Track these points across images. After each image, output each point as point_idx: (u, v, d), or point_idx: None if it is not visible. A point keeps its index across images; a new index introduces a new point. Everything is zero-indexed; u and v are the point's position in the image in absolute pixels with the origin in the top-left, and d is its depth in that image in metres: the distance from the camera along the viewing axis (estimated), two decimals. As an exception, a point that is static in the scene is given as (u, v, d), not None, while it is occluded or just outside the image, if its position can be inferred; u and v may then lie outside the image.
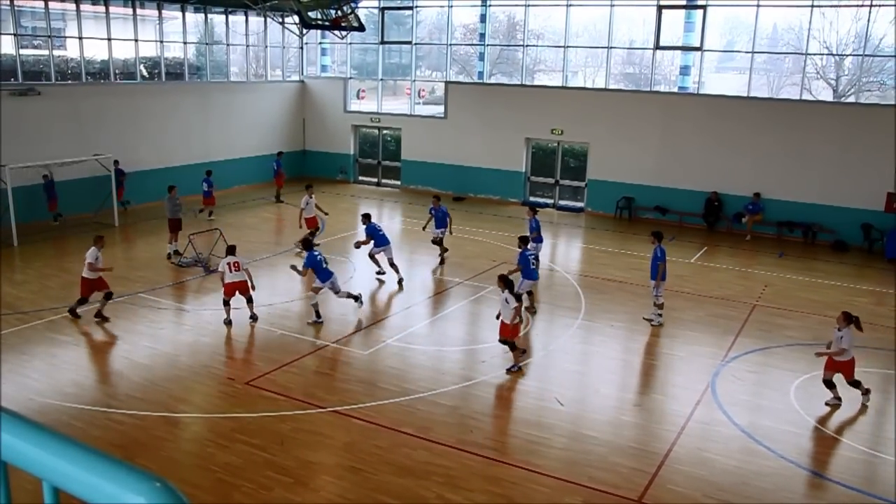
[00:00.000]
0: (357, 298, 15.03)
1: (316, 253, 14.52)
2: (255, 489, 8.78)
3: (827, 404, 11.46)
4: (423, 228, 20.36)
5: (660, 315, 14.85)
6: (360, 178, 31.58)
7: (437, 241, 19.34)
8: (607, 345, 14.23)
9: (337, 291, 14.62)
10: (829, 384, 11.47)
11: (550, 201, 27.77)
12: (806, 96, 24.05)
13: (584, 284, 17.81)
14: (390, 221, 25.27)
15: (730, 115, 24.03)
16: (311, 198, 20.02)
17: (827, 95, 25.31)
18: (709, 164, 24.43)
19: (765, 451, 10.10)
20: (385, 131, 30.94)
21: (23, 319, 14.08)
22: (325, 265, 14.45)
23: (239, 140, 28.21)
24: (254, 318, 14.31)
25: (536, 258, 15.63)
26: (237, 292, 14.13)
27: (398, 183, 30.35)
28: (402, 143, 30.13)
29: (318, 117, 31.53)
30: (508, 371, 12.39)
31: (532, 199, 27.91)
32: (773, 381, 12.65)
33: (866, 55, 23.38)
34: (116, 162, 22.75)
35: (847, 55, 25.02)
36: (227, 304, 14.16)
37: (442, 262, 19.27)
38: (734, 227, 24.09)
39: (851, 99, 24.25)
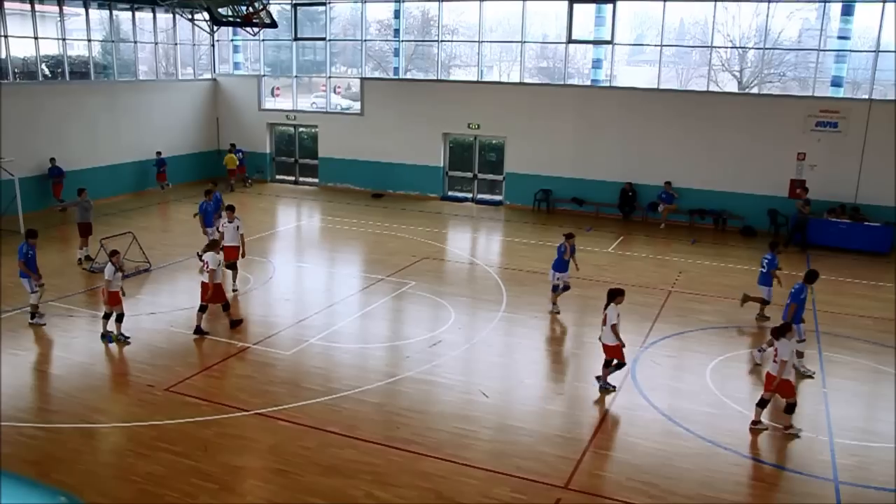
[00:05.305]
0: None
1: None
2: (180, 497, 8.57)
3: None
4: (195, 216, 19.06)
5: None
6: (278, 176, 31.12)
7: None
8: (530, 336, 14.41)
9: None
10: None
11: (469, 195, 27.94)
12: (713, 88, 24.85)
13: (505, 277, 17.98)
14: (309, 220, 25.02)
15: (641, 107, 24.64)
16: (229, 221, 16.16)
17: (732, 87, 26.27)
18: (623, 155, 25.00)
19: (684, 433, 10.42)
20: (301, 129, 30.56)
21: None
22: None
23: (150, 141, 27.34)
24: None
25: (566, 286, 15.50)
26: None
27: (316, 181, 30.03)
28: (318, 141, 29.82)
29: (232, 116, 30.88)
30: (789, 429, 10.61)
31: (451, 193, 28.04)
32: (690, 364, 13.05)
33: (767, 48, 24.31)
34: (53, 160, 23.26)
35: (749, 48, 26.00)
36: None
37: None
38: (649, 216, 24.75)
39: (755, 90, 25.21)
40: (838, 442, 10.32)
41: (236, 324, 14.02)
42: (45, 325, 13.96)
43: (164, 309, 15.03)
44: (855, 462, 9.84)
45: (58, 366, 12.40)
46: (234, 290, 15.98)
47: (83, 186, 18.85)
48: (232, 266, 15.98)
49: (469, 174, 28.07)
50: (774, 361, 10.40)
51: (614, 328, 11.38)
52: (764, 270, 14.95)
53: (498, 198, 27.46)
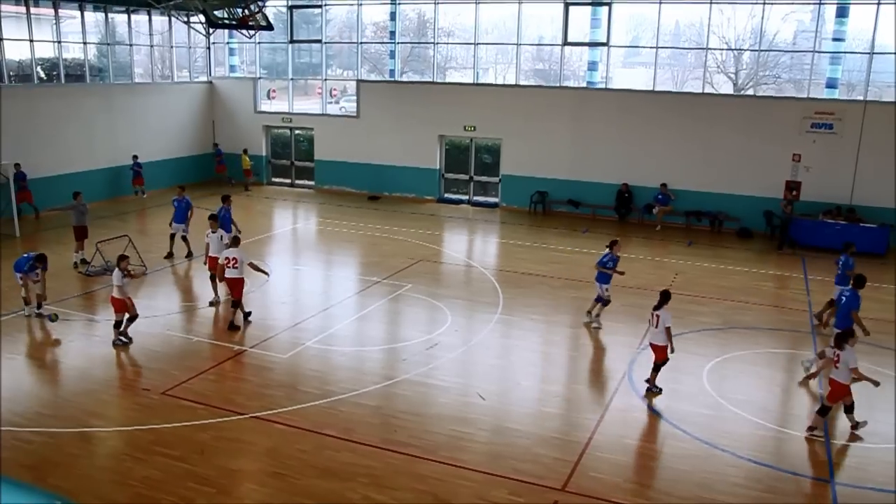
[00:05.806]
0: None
1: None
2: (177, 501, 8.55)
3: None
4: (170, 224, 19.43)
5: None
6: (274, 179, 31.10)
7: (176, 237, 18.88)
8: (527, 338, 14.40)
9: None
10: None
11: (465, 197, 27.95)
12: (708, 89, 24.88)
13: (502, 279, 17.97)
14: (306, 222, 25.00)
15: (637, 109, 24.66)
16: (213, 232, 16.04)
17: (728, 89, 26.27)
18: (619, 156, 25.01)
19: (681, 434, 10.42)
20: (297, 131, 30.55)
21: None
22: None
23: (146, 143, 27.29)
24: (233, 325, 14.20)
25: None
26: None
27: (312, 183, 30.02)
28: (314, 144, 29.81)
29: (228, 119, 30.84)
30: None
31: (447, 195, 28.04)
32: (687, 365, 13.02)
33: (762, 50, 24.35)
34: (17, 165, 22.13)
35: (745, 50, 26.04)
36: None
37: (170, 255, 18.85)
38: (645, 217, 24.77)
39: (750, 92, 25.24)
40: (836, 443, 10.32)
41: (234, 328, 14.01)
42: (28, 315, 14.47)
43: (160, 312, 15.00)
44: (852, 463, 9.85)
45: (54, 370, 12.36)
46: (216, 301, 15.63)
47: (79, 190, 18.80)
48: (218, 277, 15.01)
49: (465, 176, 28.07)
50: (836, 367, 10.37)
51: (668, 330, 11.47)
52: (839, 272, 15.03)
53: (494, 200, 27.46)
